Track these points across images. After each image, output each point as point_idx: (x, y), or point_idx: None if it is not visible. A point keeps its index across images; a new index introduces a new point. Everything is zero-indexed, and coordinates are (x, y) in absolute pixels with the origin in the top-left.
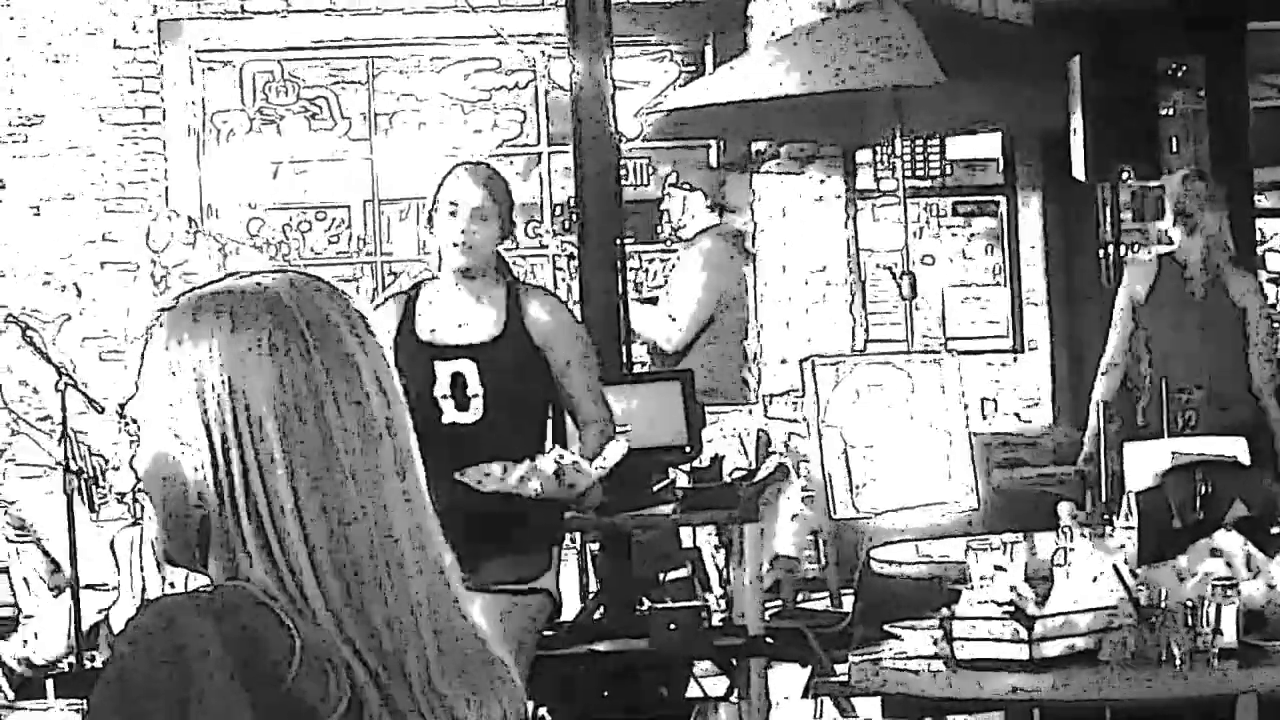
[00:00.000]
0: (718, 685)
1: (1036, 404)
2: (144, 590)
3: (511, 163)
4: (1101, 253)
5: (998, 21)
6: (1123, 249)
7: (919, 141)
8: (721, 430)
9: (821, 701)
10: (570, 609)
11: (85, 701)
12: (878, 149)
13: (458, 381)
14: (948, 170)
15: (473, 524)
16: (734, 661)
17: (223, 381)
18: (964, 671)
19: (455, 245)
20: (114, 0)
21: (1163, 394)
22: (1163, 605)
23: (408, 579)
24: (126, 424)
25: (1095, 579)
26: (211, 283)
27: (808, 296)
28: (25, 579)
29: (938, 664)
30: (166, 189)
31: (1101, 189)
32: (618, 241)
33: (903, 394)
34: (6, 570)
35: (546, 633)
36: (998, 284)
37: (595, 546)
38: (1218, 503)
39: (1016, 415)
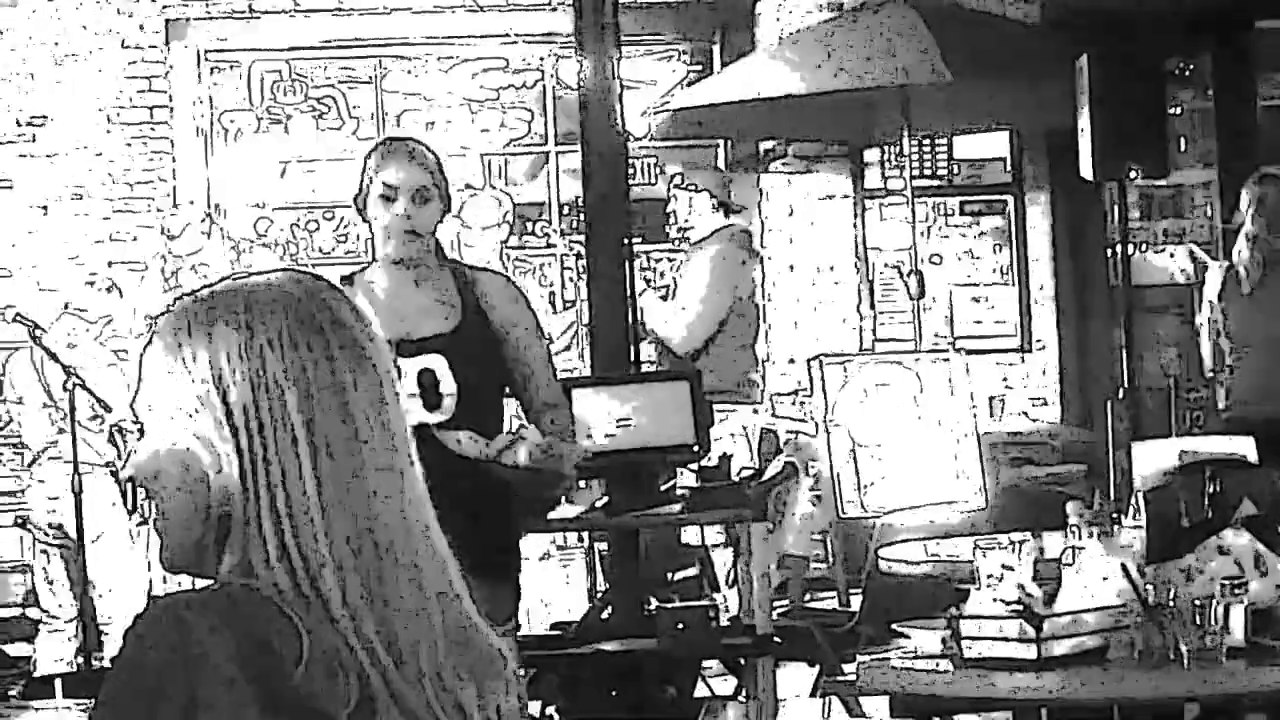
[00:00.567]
0: (726, 685)
1: (1044, 403)
2: (150, 589)
3: (518, 161)
4: (1109, 252)
5: (1005, 20)
6: (1130, 248)
7: (926, 141)
8: (731, 432)
9: (829, 700)
10: (578, 609)
11: (93, 701)
12: (885, 148)
13: (427, 378)
14: (955, 169)
15: None
16: (742, 661)
17: (245, 379)
18: (972, 670)
19: (396, 232)
20: (122, 0)
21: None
22: (1171, 604)
23: (422, 572)
24: (116, 426)
25: (1103, 578)
26: (215, 284)
27: (815, 296)
28: (51, 580)
29: (945, 663)
30: (174, 189)
31: (1109, 188)
32: (625, 241)
33: (911, 393)
34: (30, 569)
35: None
36: (1005, 283)
37: (603, 546)
38: (1226, 501)
39: (1024, 414)
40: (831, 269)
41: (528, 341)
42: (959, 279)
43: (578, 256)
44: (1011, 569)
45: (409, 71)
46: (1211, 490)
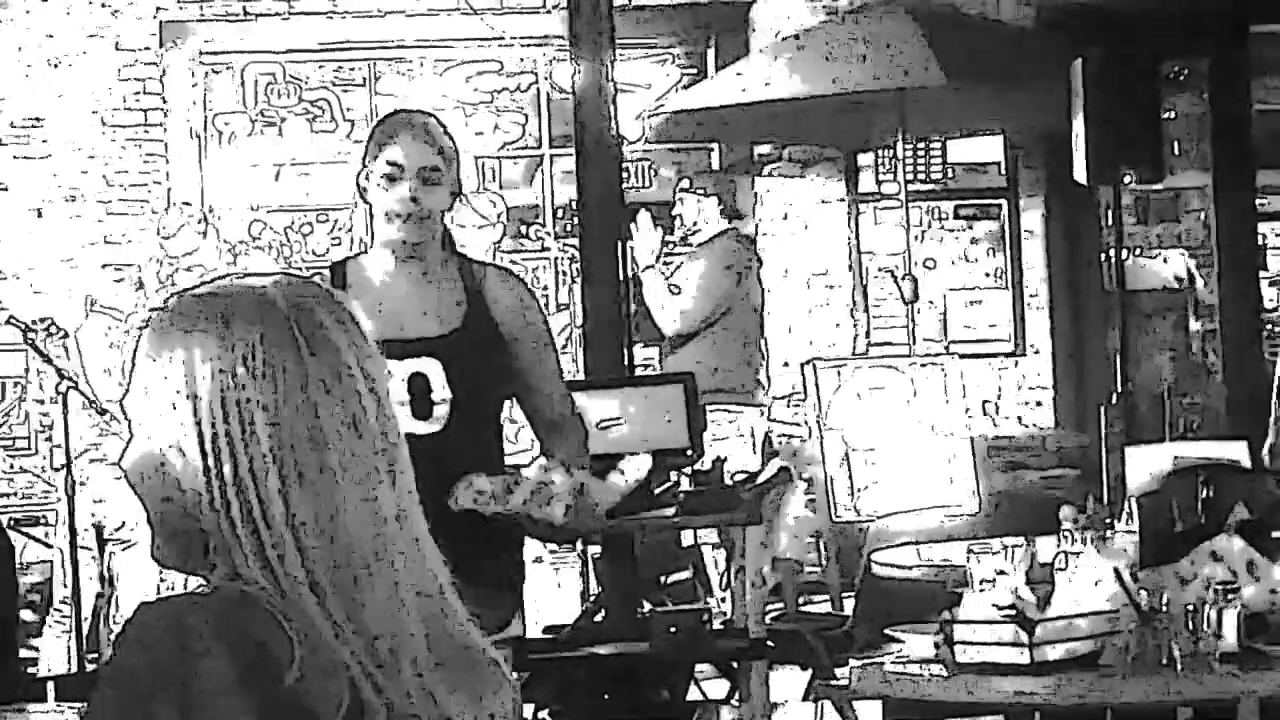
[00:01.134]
0: (719, 688)
1: (1038, 407)
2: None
3: (515, 164)
4: (1103, 256)
5: (1000, 24)
6: (1124, 252)
7: (921, 144)
8: (740, 433)
9: (822, 705)
10: (571, 612)
11: (86, 703)
12: (880, 152)
13: (417, 384)
14: (949, 173)
15: None
16: (735, 664)
17: (215, 384)
18: (965, 675)
19: (399, 216)
20: (116, 2)
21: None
22: (1164, 609)
23: (400, 583)
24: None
25: (1097, 583)
26: (204, 284)
27: (809, 299)
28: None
29: (939, 667)
30: (169, 191)
31: (1103, 192)
32: (620, 244)
33: (904, 397)
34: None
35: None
36: (999, 287)
37: (596, 550)
38: (1219, 506)
39: (1018, 418)
40: (825, 273)
41: (537, 350)
42: (953, 283)
43: (571, 259)
44: (1005, 573)
45: (403, 74)
46: (1205, 495)
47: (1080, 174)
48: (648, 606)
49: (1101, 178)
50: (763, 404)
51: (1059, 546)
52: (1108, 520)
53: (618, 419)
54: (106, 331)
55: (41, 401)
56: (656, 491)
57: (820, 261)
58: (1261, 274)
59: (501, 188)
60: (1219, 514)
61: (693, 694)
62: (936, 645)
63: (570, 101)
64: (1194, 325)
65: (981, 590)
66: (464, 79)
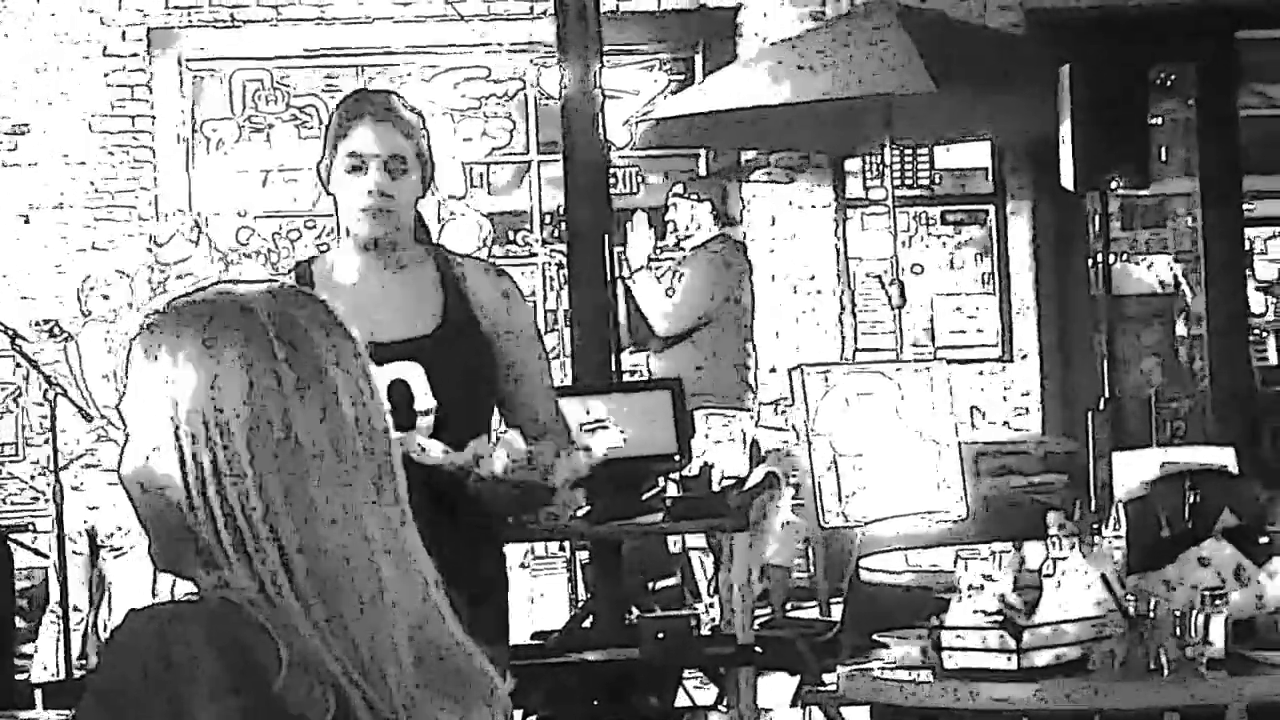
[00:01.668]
0: (707, 694)
1: (1026, 413)
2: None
3: (502, 170)
4: (1090, 261)
5: (987, 30)
6: (1112, 258)
7: (908, 150)
8: (731, 436)
9: (810, 710)
10: (559, 618)
11: (73, 712)
12: (867, 158)
13: (398, 392)
14: (937, 179)
15: None
16: (723, 670)
17: (193, 392)
18: (952, 681)
19: (365, 210)
20: (104, 8)
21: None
22: (1151, 615)
23: (385, 591)
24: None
25: (1084, 589)
26: (193, 292)
27: (797, 305)
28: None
29: (926, 673)
30: (156, 197)
31: (1091, 198)
32: (607, 250)
33: (892, 403)
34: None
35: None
36: (987, 293)
37: (584, 555)
38: (1207, 512)
39: (1006, 424)
40: (813, 278)
41: (523, 349)
42: (940, 288)
43: (559, 266)
44: (992, 579)
45: (391, 80)
46: (1192, 501)
47: (1067, 179)
48: (636, 612)
49: (1089, 183)
50: (751, 409)
51: (1046, 552)
52: (1095, 526)
53: (602, 422)
54: (105, 337)
55: (25, 409)
56: (644, 497)
57: (807, 267)
58: (1248, 279)
59: (489, 194)
60: (1206, 519)
61: (681, 700)
62: (924, 651)
63: (558, 107)
64: (1181, 330)
65: (969, 596)
66: (452, 85)
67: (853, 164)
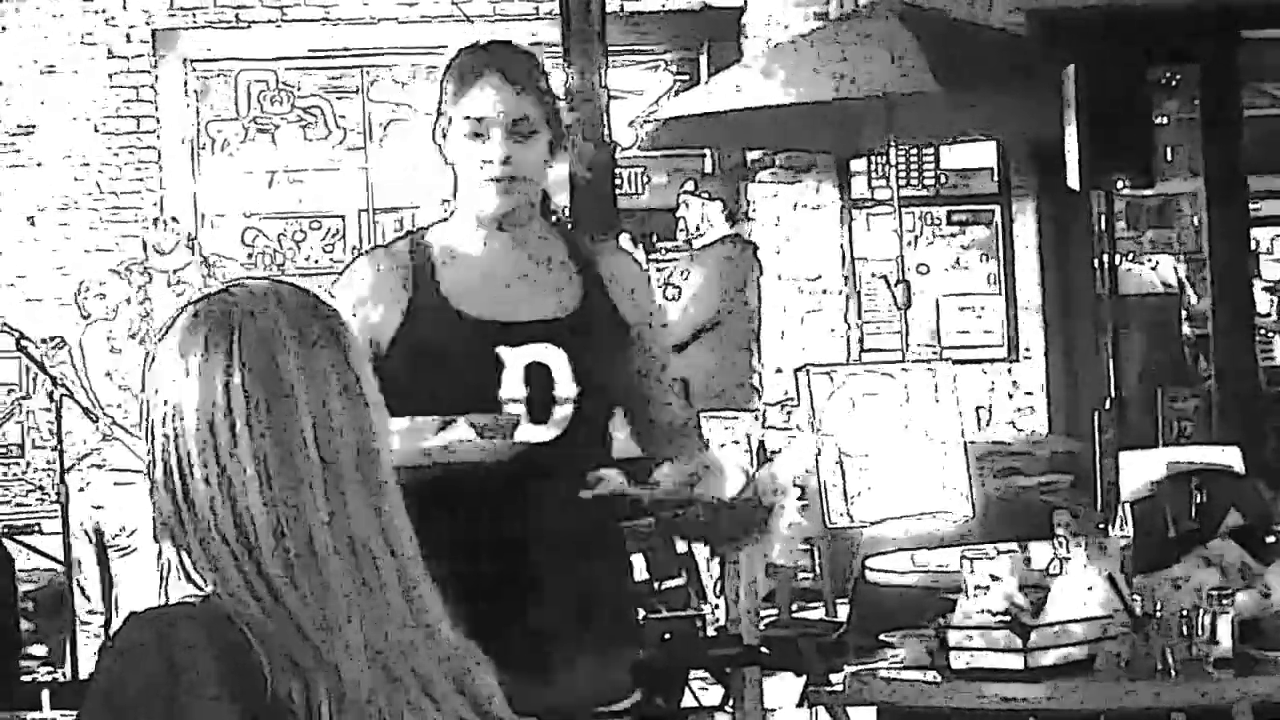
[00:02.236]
0: (713, 695)
1: (1031, 413)
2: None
3: None
4: (1095, 261)
5: (992, 30)
6: (1117, 257)
7: (913, 150)
8: (735, 439)
9: (816, 711)
10: None
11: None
12: (872, 158)
13: (536, 377)
14: (942, 179)
15: (535, 609)
16: (729, 671)
17: (164, 398)
18: (959, 681)
19: (490, 180)
20: (109, 9)
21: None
22: (1158, 615)
23: (371, 594)
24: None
25: (1090, 588)
26: (200, 299)
27: (802, 305)
28: (82, 586)
29: (932, 674)
30: (161, 199)
31: (1095, 198)
32: None
33: (897, 403)
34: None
35: None
36: (992, 292)
37: None
38: (1213, 512)
39: (1011, 424)
40: (818, 278)
41: (659, 340)
42: (946, 288)
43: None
44: (998, 579)
45: (396, 81)
46: (1198, 500)
47: (1072, 179)
48: (642, 613)
49: (1093, 183)
50: (756, 410)
51: (1053, 552)
52: (1101, 525)
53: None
54: (107, 336)
55: (31, 412)
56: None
57: (813, 267)
58: (1254, 279)
59: None
60: (1212, 519)
61: (687, 700)
62: (930, 651)
63: (563, 107)
64: (1186, 330)
65: (975, 596)
66: None
67: (858, 164)
